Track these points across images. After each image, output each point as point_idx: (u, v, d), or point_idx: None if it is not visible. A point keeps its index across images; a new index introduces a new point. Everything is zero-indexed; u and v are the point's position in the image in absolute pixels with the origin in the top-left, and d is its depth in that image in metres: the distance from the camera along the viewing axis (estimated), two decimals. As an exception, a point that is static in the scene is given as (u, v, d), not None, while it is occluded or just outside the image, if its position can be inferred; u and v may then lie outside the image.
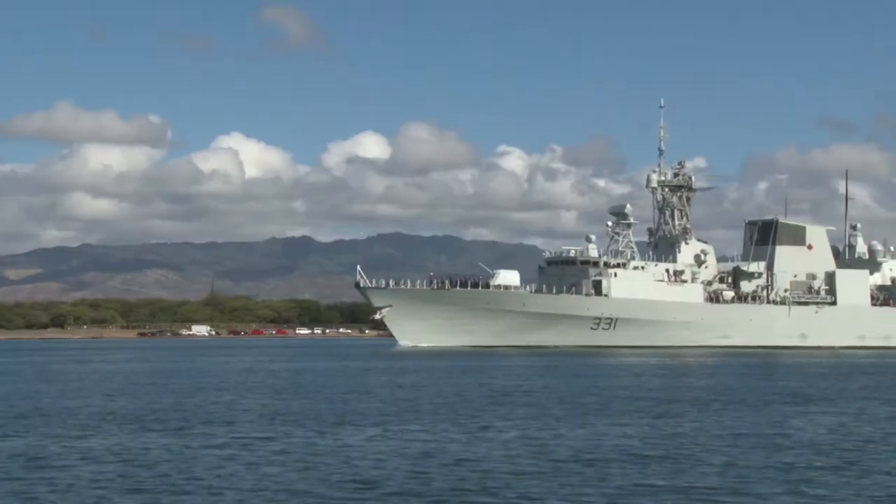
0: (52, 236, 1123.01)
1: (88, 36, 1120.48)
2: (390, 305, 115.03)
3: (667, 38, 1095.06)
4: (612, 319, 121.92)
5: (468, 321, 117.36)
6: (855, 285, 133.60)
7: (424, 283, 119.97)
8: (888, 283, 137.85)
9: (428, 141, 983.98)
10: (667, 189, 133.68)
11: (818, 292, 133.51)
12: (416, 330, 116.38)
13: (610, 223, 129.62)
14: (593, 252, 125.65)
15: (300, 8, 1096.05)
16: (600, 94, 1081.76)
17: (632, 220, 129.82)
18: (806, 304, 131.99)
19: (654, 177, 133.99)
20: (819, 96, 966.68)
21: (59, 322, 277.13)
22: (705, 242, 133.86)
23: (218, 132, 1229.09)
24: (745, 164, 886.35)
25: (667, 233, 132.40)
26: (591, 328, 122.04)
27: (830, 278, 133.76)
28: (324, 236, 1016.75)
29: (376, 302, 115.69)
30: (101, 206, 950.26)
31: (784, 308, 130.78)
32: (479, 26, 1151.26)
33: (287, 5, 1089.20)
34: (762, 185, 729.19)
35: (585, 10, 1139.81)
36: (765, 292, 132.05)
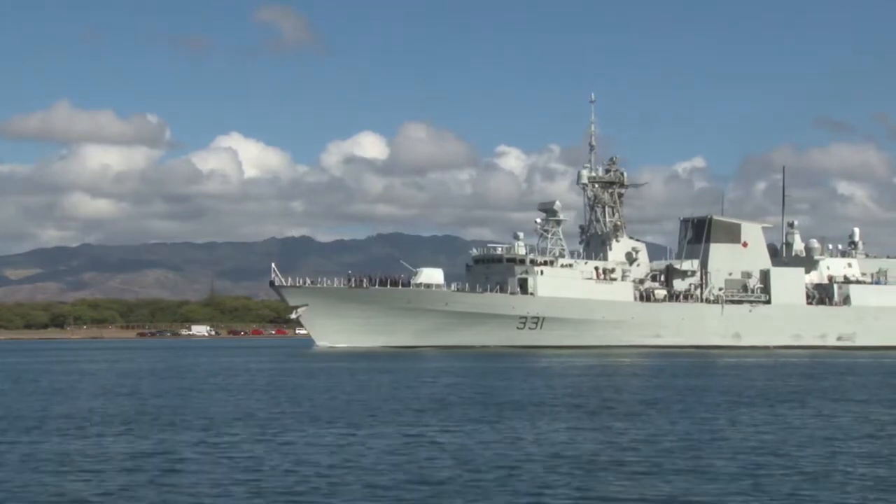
0: (51, 236, 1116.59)
1: (85, 37, 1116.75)
2: (306, 304, 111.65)
3: (664, 38, 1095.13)
4: (538, 318, 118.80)
5: (389, 321, 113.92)
6: (790, 284, 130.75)
7: (342, 281, 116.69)
8: (825, 281, 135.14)
9: (426, 141, 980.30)
10: (597, 185, 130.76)
11: (753, 291, 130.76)
12: (333, 330, 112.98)
13: (539, 220, 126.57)
14: (520, 249, 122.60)
15: (295, 8, 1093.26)
16: (597, 94, 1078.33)
17: (561, 216, 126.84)
18: (740, 302, 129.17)
19: (585, 173, 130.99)
20: (816, 96, 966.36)
21: (58, 322, 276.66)
22: (638, 240, 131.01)
23: (216, 132, 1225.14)
24: (742, 164, 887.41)
25: (598, 230, 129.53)
26: (517, 328, 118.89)
27: (765, 276, 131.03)
28: (323, 236, 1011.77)
29: (292, 301, 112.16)
30: (100, 207, 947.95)
31: (717, 307, 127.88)
32: (478, 26, 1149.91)
33: (282, 5, 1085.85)
34: (760, 185, 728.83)
35: (583, 11, 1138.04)
36: (698, 291, 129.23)
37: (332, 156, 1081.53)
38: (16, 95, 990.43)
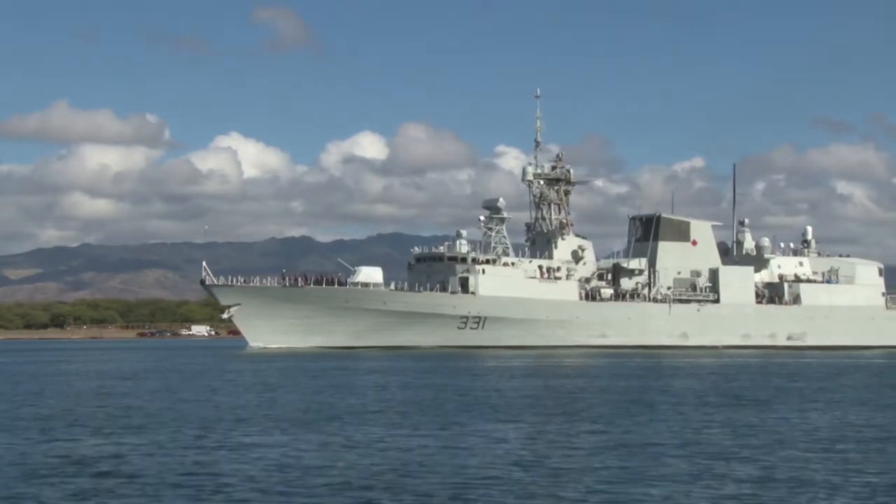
0: (50, 236, 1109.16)
1: (83, 36, 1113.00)
2: (239, 304, 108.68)
3: (663, 39, 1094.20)
4: (479, 318, 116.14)
5: (325, 321, 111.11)
6: (739, 283, 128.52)
7: (277, 280, 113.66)
8: (776, 280, 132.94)
9: (425, 141, 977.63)
10: (543, 182, 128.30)
11: (703, 290, 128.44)
12: (267, 330, 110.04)
13: (482, 217, 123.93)
14: (462, 248, 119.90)
15: (294, 8, 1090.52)
16: (596, 93, 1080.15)
17: (505, 214, 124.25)
18: (688, 301, 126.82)
19: (530, 170, 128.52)
20: (814, 96, 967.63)
21: (58, 322, 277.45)
22: (584, 238, 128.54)
23: (216, 132, 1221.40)
24: (740, 164, 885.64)
25: (543, 228, 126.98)
26: (459, 328, 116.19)
27: (714, 275, 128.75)
28: (323, 236, 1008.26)
29: (223, 300, 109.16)
30: (100, 207, 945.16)
31: (664, 306, 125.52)
32: (476, 25, 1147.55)
33: (280, 6, 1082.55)
34: (759, 186, 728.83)
35: (581, 10, 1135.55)
36: (646, 290, 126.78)
37: (332, 156, 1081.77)
38: (14, 95, 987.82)
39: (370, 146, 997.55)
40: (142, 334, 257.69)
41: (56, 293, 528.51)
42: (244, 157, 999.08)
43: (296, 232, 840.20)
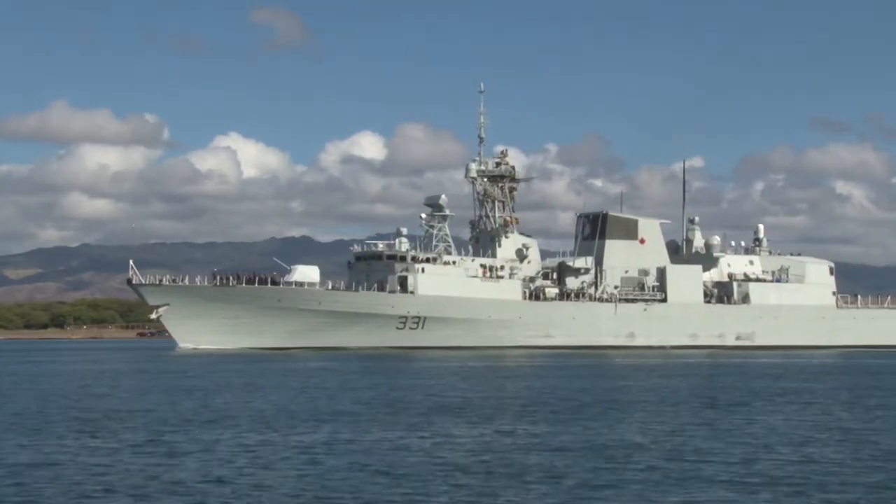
0: (50, 236, 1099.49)
1: (82, 36, 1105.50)
2: (167, 304, 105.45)
3: (663, 40, 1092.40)
4: (419, 318, 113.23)
5: (258, 321, 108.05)
6: (687, 281, 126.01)
7: (207, 279, 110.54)
8: (725, 279, 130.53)
9: (424, 141, 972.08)
10: (486, 179, 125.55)
11: (651, 289, 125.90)
12: (197, 331, 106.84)
13: (424, 215, 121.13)
14: (402, 246, 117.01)
15: (291, 8, 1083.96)
16: (594, 93, 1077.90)
17: (447, 211, 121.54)
18: (634, 301, 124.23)
19: (474, 166, 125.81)
20: (812, 96, 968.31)
21: (58, 322, 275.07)
22: (529, 236, 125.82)
23: (215, 132, 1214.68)
24: (740, 164, 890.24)
25: (487, 226, 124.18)
26: (397, 328, 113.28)
27: (661, 274, 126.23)
28: (323, 236, 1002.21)
29: (151, 300, 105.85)
30: (99, 206, 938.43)
31: (610, 305, 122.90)
32: (475, 24, 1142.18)
33: (278, 6, 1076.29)
34: (758, 186, 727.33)
35: (581, 12, 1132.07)
36: (592, 289, 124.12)
37: (331, 156, 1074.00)
38: (13, 95, 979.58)
39: (369, 146, 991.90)
40: (142, 334, 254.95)
41: (56, 293, 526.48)
42: (243, 157, 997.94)
43: (296, 232, 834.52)
